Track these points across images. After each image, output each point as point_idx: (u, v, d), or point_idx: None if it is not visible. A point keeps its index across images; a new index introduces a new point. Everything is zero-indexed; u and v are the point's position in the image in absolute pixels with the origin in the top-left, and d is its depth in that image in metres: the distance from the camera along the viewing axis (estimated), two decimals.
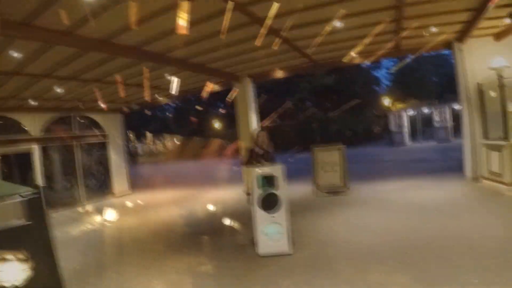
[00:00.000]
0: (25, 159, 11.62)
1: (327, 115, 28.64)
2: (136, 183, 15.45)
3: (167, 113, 38.56)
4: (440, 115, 25.22)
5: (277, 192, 5.16)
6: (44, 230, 3.14)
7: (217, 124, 33.27)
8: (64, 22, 5.05)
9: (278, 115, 24.44)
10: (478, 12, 6.39)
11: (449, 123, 24.43)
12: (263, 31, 6.07)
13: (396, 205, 7.46)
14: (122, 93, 8.91)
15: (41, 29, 5.55)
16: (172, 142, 35.85)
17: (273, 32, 6.66)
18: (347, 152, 9.55)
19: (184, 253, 5.82)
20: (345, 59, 8.15)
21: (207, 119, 34.26)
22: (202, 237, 6.69)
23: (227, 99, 10.50)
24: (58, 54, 6.75)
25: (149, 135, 35.27)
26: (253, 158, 5.53)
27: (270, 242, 5.15)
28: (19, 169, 11.87)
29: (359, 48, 7.43)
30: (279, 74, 10.89)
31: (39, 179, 11.56)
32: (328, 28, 6.49)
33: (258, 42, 6.37)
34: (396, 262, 4.38)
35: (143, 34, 6.35)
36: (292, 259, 4.95)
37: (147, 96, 9.61)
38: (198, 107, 33.22)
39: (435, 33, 7.48)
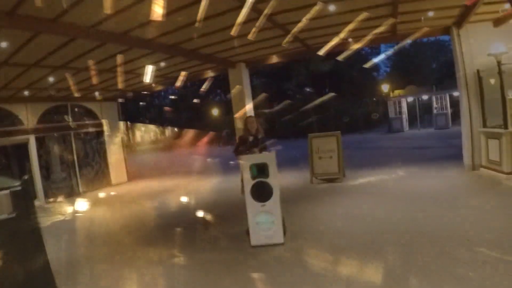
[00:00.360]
0: (21, 150, 11.58)
1: (325, 101, 28.34)
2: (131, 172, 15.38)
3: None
4: (439, 102, 25.05)
5: (269, 181, 5.06)
6: (30, 221, 3.10)
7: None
8: (50, 9, 4.91)
9: (273, 101, 24.10)
10: None
11: (448, 110, 24.25)
12: (252, 15, 5.90)
13: (392, 193, 7.37)
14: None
15: (25, 17, 5.41)
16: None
17: (264, 16, 6.47)
18: (344, 139, 9.44)
19: (174, 243, 5.77)
20: (338, 42, 7.94)
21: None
22: (194, 227, 6.62)
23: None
24: (46, 42, 6.59)
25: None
26: (245, 146, 5.40)
27: (262, 232, 5.08)
28: (16, 160, 11.86)
29: (352, 32, 7.25)
30: (274, 59, 10.70)
31: (36, 170, 11.52)
32: (320, 11, 6.29)
33: (237, 29, 6.17)
34: (391, 253, 4.30)
35: (131, 20, 6.17)
36: (284, 249, 4.89)
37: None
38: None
39: (432, 17, 7.27)
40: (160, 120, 35.76)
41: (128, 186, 13.49)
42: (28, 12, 5.28)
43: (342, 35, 7.25)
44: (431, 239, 4.54)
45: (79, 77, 9.44)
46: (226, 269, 4.44)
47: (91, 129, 13.56)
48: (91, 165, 13.50)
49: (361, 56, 31.07)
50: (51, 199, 11.51)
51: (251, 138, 5.45)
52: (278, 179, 5.17)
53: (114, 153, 14.33)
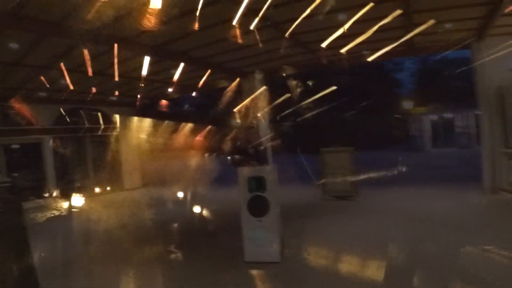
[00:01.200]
0: (38, 149, 11.81)
1: (343, 116, 27.82)
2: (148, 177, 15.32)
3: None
4: (462, 120, 24.20)
5: (267, 195, 4.80)
6: (16, 216, 3.18)
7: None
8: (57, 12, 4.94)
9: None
10: (495, 6, 5.80)
11: (472, 128, 23.36)
12: (262, 23, 5.75)
13: (404, 215, 6.89)
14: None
15: (32, 19, 5.46)
16: None
17: (273, 25, 6.33)
18: (363, 156, 9.02)
19: (168, 255, 5.60)
20: (350, 55, 7.66)
21: None
22: (193, 239, 6.44)
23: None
24: (55, 45, 6.66)
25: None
26: (242, 157, 5.19)
27: (257, 249, 4.82)
28: (31, 158, 12.09)
29: (366, 43, 6.96)
30: (288, 71, 10.50)
31: (49, 169, 11.74)
32: (333, 21, 6.08)
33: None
34: (390, 286, 3.89)
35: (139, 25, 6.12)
36: (279, 268, 4.60)
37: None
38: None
39: (451, 30, 6.91)
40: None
41: (140, 191, 13.48)
42: (34, 14, 5.32)
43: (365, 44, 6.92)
44: (437, 274, 4.05)
45: (93, 81, 9.50)
46: (212, 285, 4.22)
47: (106, 133, 13.70)
48: (105, 168, 13.55)
49: (382, 71, 30.58)
50: (61, 197, 11.72)
51: (251, 150, 5.23)
52: (277, 194, 4.91)
53: (129, 158, 14.34)
